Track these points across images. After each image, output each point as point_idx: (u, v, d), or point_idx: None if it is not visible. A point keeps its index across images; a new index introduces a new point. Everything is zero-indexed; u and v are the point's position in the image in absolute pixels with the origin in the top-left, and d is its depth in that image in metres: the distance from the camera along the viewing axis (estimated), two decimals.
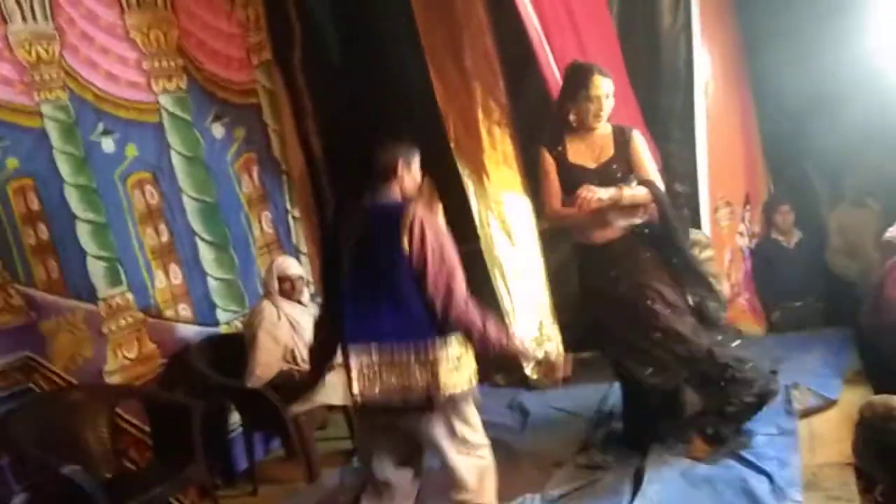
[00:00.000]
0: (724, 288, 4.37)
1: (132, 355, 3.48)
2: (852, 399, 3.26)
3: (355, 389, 2.44)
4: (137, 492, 2.98)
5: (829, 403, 3.37)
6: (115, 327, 3.43)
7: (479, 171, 4.35)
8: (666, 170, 4.41)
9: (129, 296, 3.51)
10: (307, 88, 4.82)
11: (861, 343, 3.58)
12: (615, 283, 3.06)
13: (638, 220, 3.05)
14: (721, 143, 4.38)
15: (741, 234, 4.57)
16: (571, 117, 3.05)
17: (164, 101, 3.83)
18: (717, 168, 4.37)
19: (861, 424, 1.90)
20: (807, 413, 3.33)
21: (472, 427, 2.58)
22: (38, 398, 3.12)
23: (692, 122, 4.33)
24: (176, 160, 3.84)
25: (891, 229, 3.50)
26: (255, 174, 4.32)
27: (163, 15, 3.87)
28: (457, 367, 2.42)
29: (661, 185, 3.09)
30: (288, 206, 4.49)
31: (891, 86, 3.70)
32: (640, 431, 3.29)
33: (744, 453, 3.04)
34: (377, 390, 2.42)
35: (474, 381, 2.50)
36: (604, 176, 2.97)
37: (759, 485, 2.81)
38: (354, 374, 2.44)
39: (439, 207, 2.66)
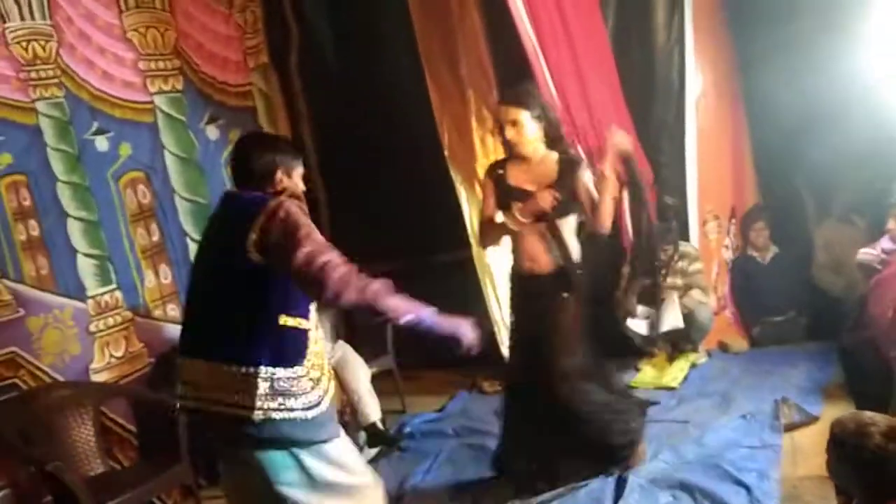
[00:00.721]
0: (711, 301, 4.42)
1: (119, 354, 3.48)
2: (835, 414, 3.25)
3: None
4: (121, 490, 2.97)
5: (812, 419, 3.40)
6: (103, 325, 3.44)
7: (471, 178, 4.39)
8: (656, 181, 4.48)
9: (119, 294, 3.51)
10: (303, 92, 4.86)
11: (844, 358, 3.61)
12: (530, 319, 3.10)
13: (572, 257, 3.03)
14: (711, 157, 4.43)
15: (726, 247, 4.61)
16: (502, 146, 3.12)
17: (160, 101, 3.85)
18: (706, 181, 4.42)
19: (833, 442, 1.91)
20: (790, 427, 3.36)
21: (342, 467, 2.20)
22: (24, 394, 3.12)
23: (683, 135, 4.39)
24: (169, 160, 3.86)
25: (864, 250, 3.54)
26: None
27: (161, 16, 3.89)
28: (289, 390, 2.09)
29: (607, 225, 3.00)
30: None
31: (881, 104, 3.74)
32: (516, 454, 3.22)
33: (724, 465, 3.06)
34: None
35: (324, 405, 2.16)
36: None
37: (737, 497, 2.84)
38: (179, 388, 2.20)
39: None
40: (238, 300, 2.09)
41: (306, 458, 2.13)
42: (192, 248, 3.88)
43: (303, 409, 2.10)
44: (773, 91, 4.22)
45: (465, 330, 2.19)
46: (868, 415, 1.92)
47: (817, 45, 3.89)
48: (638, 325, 4.24)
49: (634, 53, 4.44)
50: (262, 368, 2.06)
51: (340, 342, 4.06)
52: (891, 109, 3.69)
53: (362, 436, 3.82)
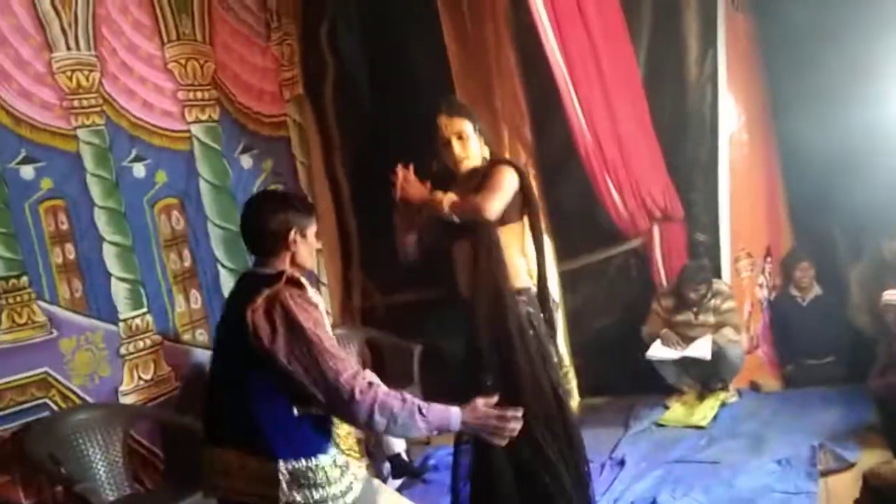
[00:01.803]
0: (744, 339, 4.34)
1: (148, 377, 3.52)
2: (870, 460, 3.19)
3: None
4: None
5: (848, 465, 3.30)
6: (133, 348, 3.48)
7: None
8: (688, 219, 4.45)
9: (149, 318, 3.56)
10: (337, 124, 4.94)
11: (878, 402, 3.51)
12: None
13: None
14: (744, 195, 4.39)
15: (760, 286, 4.54)
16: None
17: (196, 130, 3.94)
18: (738, 219, 4.38)
19: (868, 491, 1.86)
20: (825, 473, 3.28)
21: None
22: (55, 414, 3.16)
23: (716, 172, 4.36)
24: (204, 188, 3.93)
25: (890, 291, 3.46)
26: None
27: (201, 48, 4.00)
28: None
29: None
30: None
31: None
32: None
33: None
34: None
35: (356, 490, 2.07)
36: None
37: None
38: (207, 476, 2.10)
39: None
40: (251, 389, 1.98)
41: None
42: (223, 275, 3.95)
43: (333, 499, 2.01)
44: (806, 133, 4.19)
45: (493, 427, 2.01)
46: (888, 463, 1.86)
47: (849, 90, 3.89)
48: (660, 350, 4.18)
49: (667, 89, 4.44)
50: (282, 461, 1.96)
51: (367, 371, 4.05)
52: None
53: (387, 466, 3.80)
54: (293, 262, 2.09)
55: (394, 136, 4.96)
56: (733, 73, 4.33)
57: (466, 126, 2.67)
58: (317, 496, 1.98)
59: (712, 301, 4.22)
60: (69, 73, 3.39)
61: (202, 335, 3.80)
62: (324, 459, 2.01)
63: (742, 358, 4.23)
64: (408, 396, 1.95)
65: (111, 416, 3.27)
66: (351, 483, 2.06)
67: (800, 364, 4.42)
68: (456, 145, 2.65)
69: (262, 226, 2.07)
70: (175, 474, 3.41)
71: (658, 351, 4.19)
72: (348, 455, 2.09)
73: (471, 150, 2.67)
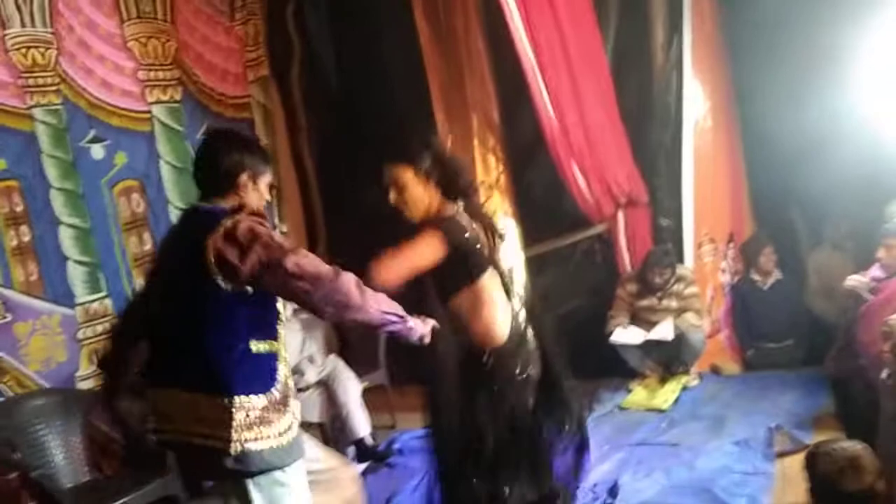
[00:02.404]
0: (706, 324, 4.40)
1: None
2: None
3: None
4: (107, 500, 2.95)
5: (803, 447, 3.37)
6: (91, 333, 3.43)
7: None
8: (652, 204, 4.49)
9: (108, 302, 3.51)
10: (303, 105, 4.89)
11: (835, 386, 3.59)
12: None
13: None
14: (707, 181, 4.43)
15: (723, 271, 4.59)
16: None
17: (158, 111, 3.87)
18: (702, 204, 4.42)
19: (805, 469, 1.98)
20: (781, 454, 3.34)
21: (310, 463, 2.13)
22: (11, 400, 3.10)
23: (680, 158, 4.39)
24: (165, 170, 3.87)
25: (852, 277, 3.53)
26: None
27: (162, 27, 3.92)
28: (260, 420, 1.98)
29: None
30: (276, 220, 4.51)
31: (873, 139, 3.76)
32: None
33: (716, 490, 3.06)
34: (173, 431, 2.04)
35: (295, 429, 2.05)
36: None
37: None
38: (153, 419, 2.07)
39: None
40: (207, 326, 1.95)
41: (280, 476, 2.03)
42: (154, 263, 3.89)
43: (277, 437, 1.99)
44: (770, 120, 4.23)
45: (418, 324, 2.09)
46: (835, 444, 2.03)
47: (812, 78, 3.93)
48: (623, 335, 4.23)
49: (633, 74, 4.46)
50: (237, 398, 1.93)
51: (332, 356, 4.04)
52: (881, 145, 3.72)
53: (351, 450, 3.79)
54: (241, 209, 2.01)
55: (362, 118, 4.93)
56: (699, 60, 4.36)
57: (404, 174, 2.36)
58: (265, 432, 1.97)
59: (675, 286, 4.27)
60: (24, 51, 3.31)
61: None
62: (272, 396, 2.00)
63: (703, 342, 4.29)
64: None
65: (70, 402, 3.23)
66: (291, 422, 2.04)
67: (760, 348, 4.49)
68: (392, 194, 2.39)
69: (215, 163, 2.01)
70: (135, 460, 3.37)
71: (621, 335, 4.23)
72: (286, 392, 2.07)
73: (411, 199, 2.37)
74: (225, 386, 1.93)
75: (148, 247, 3.75)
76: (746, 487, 3.08)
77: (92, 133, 3.55)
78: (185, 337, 1.98)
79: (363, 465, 3.76)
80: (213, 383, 1.93)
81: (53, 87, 3.40)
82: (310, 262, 1.92)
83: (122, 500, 3.00)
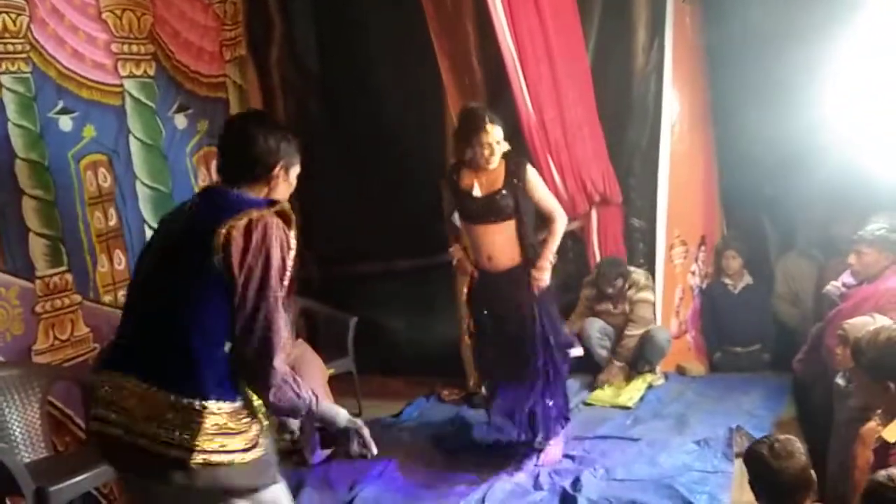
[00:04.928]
0: (672, 325, 4.44)
1: (64, 337, 3.38)
2: None
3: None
4: (65, 476, 2.88)
5: None
6: (50, 307, 3.34)
7: None
8: (625, 204, 4.51)
9: (69, 277, 3.42)
10: (281, 87, 4.83)
11: (796, 389, 3.64)
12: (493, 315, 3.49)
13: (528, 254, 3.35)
14: (682, 183, 4.46)
15: (693, 273, 4.63)
16: (467, 156, 3.29)
17: (130, 85, 3.78)
18: (676, 207, 4.45)
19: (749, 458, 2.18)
20: (740, 454, 3.38)
21: None
22: None
23: (656, 159, 4.41)
24: (134, 146, 3.78)
25: (832, 283, 3.59)
26: (213, 168, 4.27)
27: (138, 0, 3.84)
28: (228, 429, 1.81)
29: (558, 208, 3.41)
30: None
31: (845, 150, 3.82)
32: None
33: (677, 486, 3.11)
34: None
35: (262, 445, 1.88)
36: (487, 203, 3.26)
37: None
38: (96, 407, 1.85)
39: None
40: (191, 314, 1.77)
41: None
42: (150, 236, 3.80)
43: (241, 451, 1.80)
44: (744, 127, 4.31)
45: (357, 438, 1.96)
46: (773, 436, 2.16)
47: (788, 88, 3.99)
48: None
49: (613, 74, 4.48)
50: (211, 402, 1.75)
51: (300, 341, 4.01)
52: (852, 158, 3.77)
53: (316, 437, 3.76)
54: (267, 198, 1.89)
55: (343, 101, 4.89)
56: (679, 64, 4.39)
57: (500, 133, 3.24)
58: (229, 446, 1.79)
59: (629, 291, 4.32)
60: None
61: (124, 297, 3.67)
62: (238, 403, 1.83)
63: (669, 341, 4.33)
64: (305, 395, 1.84)
65: (30, 376, 3.14)
66: (257, 435, 1.86)
67: (727, 351, 4.54)
68: (496, 149, 3.22)
69: (251, 148, 1.86)
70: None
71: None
72: (253, 399, 1.89)
73: (500, 151, 3.26)
74: (199, 386, 1.75)
75: (113, 222, 3.67)
76: (706, 485, 3.14)
77: (61, 104, 3.45)
78: (165, 319, 1.79)
79: (328, 451, 3.73)
80: (184, 380, 1.75)
81: (23, 55, 3.31)
82: (280, 320, 1.78)
83: (81, 476, 2.92)
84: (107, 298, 3.59)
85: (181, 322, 1.77)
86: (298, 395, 1.83)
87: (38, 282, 3.29)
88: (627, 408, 4.03)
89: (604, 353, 4.36)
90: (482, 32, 4.19)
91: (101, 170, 3.64)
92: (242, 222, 1.76)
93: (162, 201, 3.85)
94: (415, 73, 4.53)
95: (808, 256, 4.39)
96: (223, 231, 1.74)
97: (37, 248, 3.30)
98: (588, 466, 3.37)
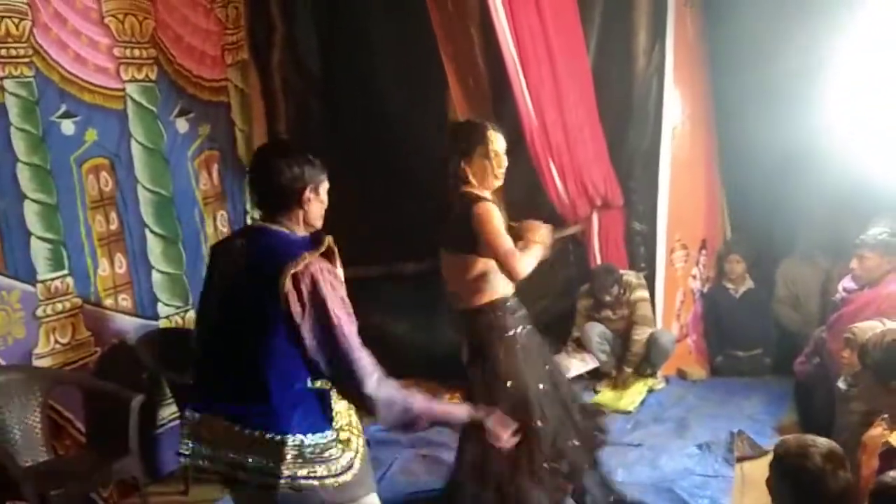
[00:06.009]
0: (674, 329, 4.43)
1: (65, 340, 3.39)
2: None
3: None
4: (66, 479, 2.90)
5: (763, 452, 3.40)
6: (51, 311, 3.35)
7: None
8: (627, 207, 4.50)
9: (70, 280, 3.43)
10: (283, 91, 4.83)
11: (798, 393, 3.63)
12: None
13: None
14: (683, 187, 4.46)
15: (694, 277, 4.62)
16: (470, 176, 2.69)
17: (132, 89, 3.80)
18: (676, 210, 4.44)
19: (775, 460, 1.96)
20: (741, 458, 3.39)
21: None
22: None
23: (657, 163, 4.41)
24: (135, 150, 3.80)
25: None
26: (214, 172, 4.29)
27: (140, 4, 3.85)
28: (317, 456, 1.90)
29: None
30: (248, 206, 4.46)
31: (847, 156, 3.81)
32: None
33: (678, 490, 3.11)
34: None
35: (356, 467, 1.95)
36: None
37: None
38: (188, 445, 1.97)
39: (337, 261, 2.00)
40: (265, 357, 1.87)
41: None
42: (151, 240, 3.84)
43: (334, 476, 1.91)
44: (747, 130, 4.30)
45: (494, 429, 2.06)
46: (811, 437, 1.97)
47: (789, 92, 4.00)
48: (573, 367, 4.29)
49: (614, 77, 4.48)
50: (290, 437, 1.86)
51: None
52: (855, 163, 3.76)
53: None
54: (305, 221, 1.98)
55: (345, 105, 4.90)
56: (680, 67, 4.39)
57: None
58: (320, 472, 1.89)
59: (625, 295, 4.32)
60: None
61: (125, 300, 3.69)
62: (329, 435, 1.92)
63: (674, 343, 4.34)
64: (417, 397, 1.94)
65: (31, 380, 3.17)
66: (351, 460, 1.95)
67: (728, 355, 4.53)
68: (505, 161, 2.69)
69: (277, 181, 1.94)
70: (96, 441, 3.31)
71: (569, 370, 4.25)
72: (348, 431, 1.99)
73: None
74: (278, 423, 1.86)
75: (114, 226, 3.68)
76: (707, 489, 3.15)
77: (63, 108, 3.47)
78: (240, 363, 1.91)
79: None
80: (264, 418, 1.87)
81: (26, 60, 3.32)
82: (354, 350, 1.87)
83: (82, 480, 2.97)
84: (108, 302, 3.61)
85: (266, 369, 1.87)
86: (406, 410, 1.91)
87: (39, 285, 3.30)
88: (628, 412, 4.02)
89: (604, 357, 4.36)
90: (487, 37, 4.20)
91: (103, 173, 3.66)
92: (290, 271, 1.85)
93: (163, 205, 3.87)
94: (417, 76, 4.55)
95: (810, 260, 4.38)
96: (285, 281, 1.83)
97: (38, 251, 3.32)
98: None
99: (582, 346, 4.38)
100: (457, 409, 2.12)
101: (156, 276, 3.86)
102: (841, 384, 2.94)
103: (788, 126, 3.93)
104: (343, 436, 1.95)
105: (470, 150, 2.66)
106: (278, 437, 1.86)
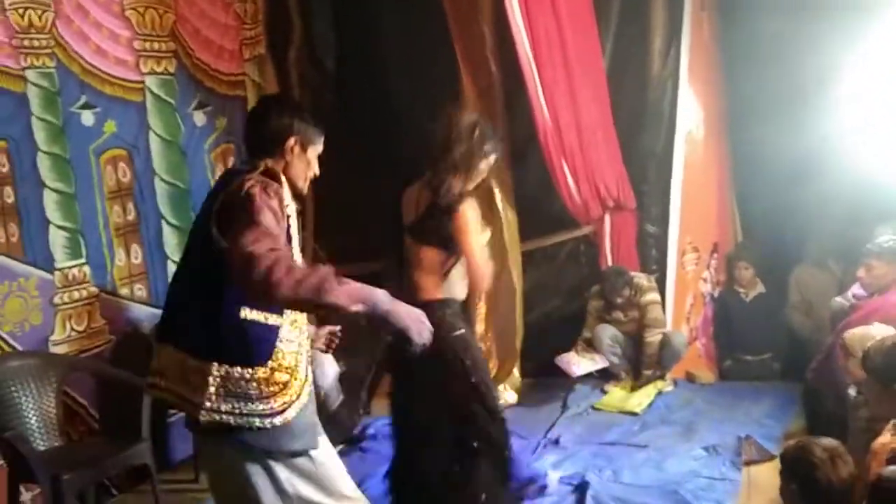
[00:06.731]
0: (684, 331, 4.43)
1: (81, 328, 3.44)
2: None
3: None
4: (79, 465, 2.94)
5: (770, 457, 3.40)
6: (68, 298, 3.40)
7: None
8: (639, 209, 4.51)
9: (87, 269, 3.48)
10: (299, 86, 4.86)
11: (807, 400, 3.63)
12: None
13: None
14: (695, 190, 4.46)
15: (705, 280, 4.62)
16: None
17: (151, 82, 3.85)
18: (689, 214, 4.45)
19: (781, 464, 1.99)
20: (748, 463, 3.39)
21: (318, 484, 1.92)
22: None
23: (670, 166, 4.41)
24: (153, 141, 3.85)
25: (837, 298, 3.58)
26: (230, 165, 4.34)
27: None
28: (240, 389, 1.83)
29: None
30: None
31: (858, 163, 3.81)
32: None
33: (683, 492, 3.11)
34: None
35: (290, 413, 1.86)
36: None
37: None
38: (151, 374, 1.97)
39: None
40: (203, 285, 1.85)
41: (275, 466, 1.87)
42: (167, 231, 3.88)
43: (261, 417, 1.82)
44: (760, 135, 4.29)
45: (418, 325, 1.78)
46: (813, 438, 2.02)
47: (803, 97, 3.99)
48: (580, 366, 4.29)
49: (629, 80, 4.48)
50: (215, 364, 1.81)
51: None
52: (867, 170, 3.76)
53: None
54: (286, 175, 1.91)
55: (360, 101, 4.92)
56: (695, 71, 4.39)
57: None
58: (244, 409, 1.82)
59: (636, 297, 4.32)
60: (21, 11, 3.27)
61: (140, 290, 3.74)
62: (260, 372, 1.84)
63: (685, 344, 4.34)
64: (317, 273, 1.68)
65: (47, 366, 3.20)
66: (285, 405, 1.85)
67: (738, 359, 4.52)
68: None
69: (264, 123, 1.93)
70: (109, 428, 3.36)
71: (578, 368, 4.29)
72: (288, 373, 1.87)
73: None
74: (206, 349, 1.82)
75: (131, 217, 3.73)
76: (713, 492, 3.13)
77: (83, 99, 3.52)
78: (187, 293, 1.92)
79: (337, 448, 3.75)
80: (197, 344, 1.83)
81: (48, 50, 3.37)
82: (257, 241, 1.68)
83: (95, 465, 2.99)
84: (123, 291, 3.66)
85: (203, 297, 1.85)
86: (308, 275, 1.66)
87: (56, 273, 3.35)
88: (635, 414, 4.03)
89: (615, 360, 4.37)
90: (501, 36, 4.21)
91: (121, 164, 3.70)
92: (224, 195, 1.81)
93: (180, 197, 3.91)
94: (431, 74, 4.56)
95: (822, 266, 4.37)
96: (220, 199, 1.82)
97: (56, 240, 3.37)
98: (594, 470, 3.36)
99: (592, 346, 4.39)
100: (373, 289, 1.73)
101: (171, 266, 3.89)
102: (851, 391, 2.94)
103: (801, 132, 3.93)
104: (280, 377, 1.85)
105: (485, 152, 2.73)
106: (204, 366, 1.81)
